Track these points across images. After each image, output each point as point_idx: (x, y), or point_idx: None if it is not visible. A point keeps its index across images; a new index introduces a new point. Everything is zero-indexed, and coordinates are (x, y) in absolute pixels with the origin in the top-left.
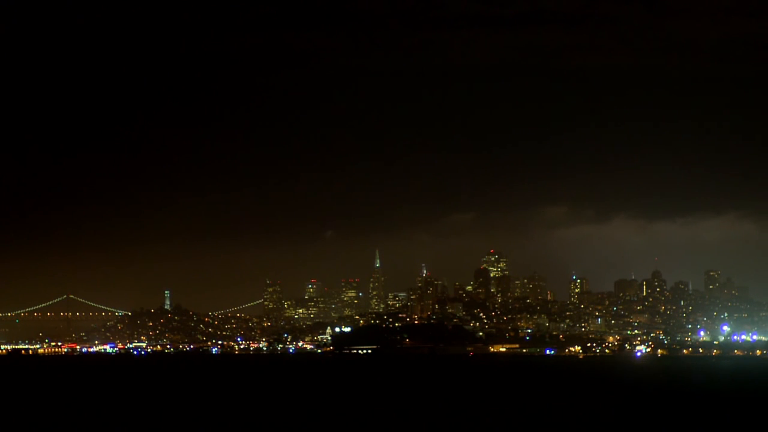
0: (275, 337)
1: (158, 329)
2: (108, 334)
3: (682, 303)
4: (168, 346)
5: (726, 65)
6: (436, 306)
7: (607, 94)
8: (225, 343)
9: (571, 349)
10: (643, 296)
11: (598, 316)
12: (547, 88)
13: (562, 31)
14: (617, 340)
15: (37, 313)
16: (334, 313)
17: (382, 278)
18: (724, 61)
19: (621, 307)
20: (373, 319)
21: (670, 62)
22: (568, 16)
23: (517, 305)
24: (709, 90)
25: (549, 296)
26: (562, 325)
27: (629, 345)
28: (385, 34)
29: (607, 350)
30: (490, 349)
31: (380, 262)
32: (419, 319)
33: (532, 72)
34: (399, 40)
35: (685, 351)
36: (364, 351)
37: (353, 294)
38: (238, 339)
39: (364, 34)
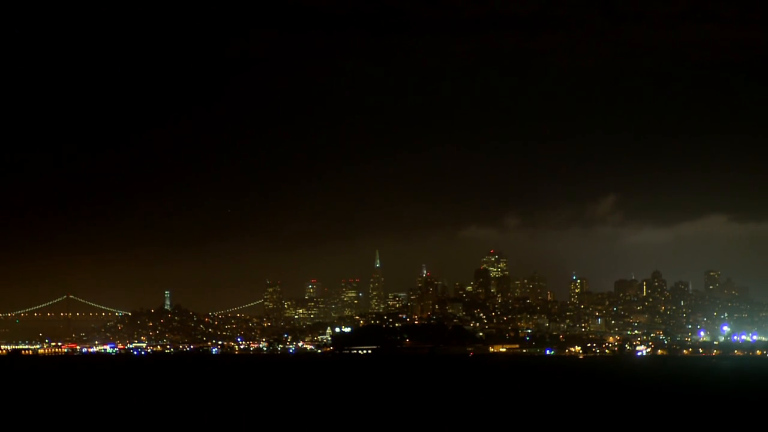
0: (275, 337)
1: (158, 329)
2: (108, 334)
3: (682, 303)
4: (168, 347)
5: (683, 68)
6: (436, 306)
7: (588, 98)
8: (225, 343)
9: (571, 349)
10: (643, 296)
11: (598, 317)
12: (533, 89)
13: (522, 36)
14: (617, 341)
15: (37, 314)
16: (334, 314)
17: (382, 278)
18: (681, 65)
19: (621, 307)
20: (373, 319)
21: (629, 66)
22: (527, 21)
23: (517, 305)
24: (680, 94)
25: (549, 296)
26: (562, 325)
27: (629, 345)
28: (348, 39)
29: (607, 350)
30: (490, 350)
31: (380, 262)
32: (419, 319)
33: (507, 73)
34: (363, 45)
35: (685, 351)
36: (364, 351)
37: (353, 294)
38: (238, 339)
39: (334, 39)
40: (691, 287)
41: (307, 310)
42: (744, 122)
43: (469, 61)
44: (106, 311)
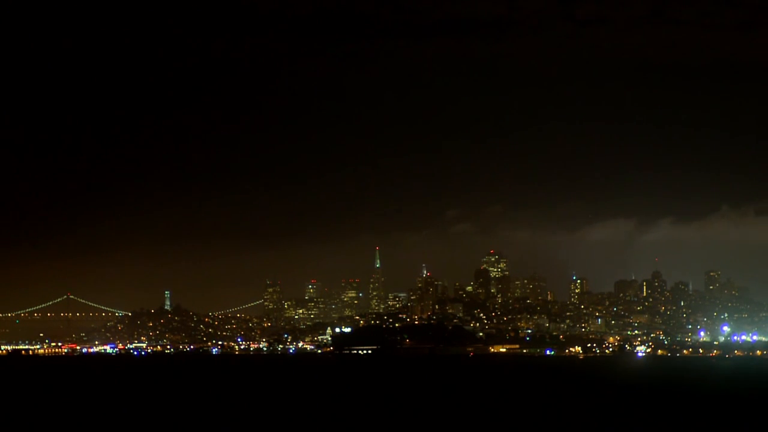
0: (275, 337)
1: (158, 329)
2: (108, 334)
3: (682, 303)
4: (168, 347)
5: (648, 71)
6: (436, 306)
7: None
8: (225, 343)
9: (572, 349)
10: (643, 296)
11: (598, 317)
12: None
13: (486, 40)
14: (617, 341)
15: (37, 314)
16: (334, 314)
17: (382, 278)
18: (646, 67)
19: (621, 307)
20: (373, 319)
21: (593, 69)
22: (490, 25)
23: (517, 305)
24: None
25: (549, 296)
26: (563, 325)
27: (629, 345)
28: (311, 43)
29: (607, 351)
30: (490, 350)
31: (380, 262)
32: (419, 319)
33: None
34: (328, 50)
35: (685, 351)
36: (364, 351)
37: (353, 294)
38: (238, 339)
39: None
40: (691, 287)
41: (307, 310)
42: (717, 121)
43: (443, 63)
44: (106, 311)
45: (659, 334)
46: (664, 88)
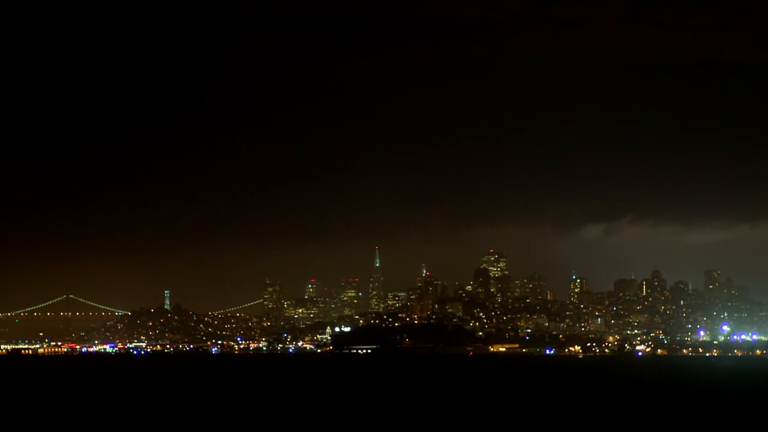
0: (275, 336)
1: (158, 329)
2: (108, 334)
3: (682, 303)
4: (168, 346)
5: (627, 72)
6: (436, 306)
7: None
8: (225, 343)
9: (571, 349)
10: (643, 296)
11: (598, 316)
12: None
13: (466, 42)
14: (617, 340)
15: (37, 313)
16: (334, 313)
17: (382, 278)
18: (626, 69)
19: (621, 307)
20: (373, 319)
21: (573, 71)
22: (470, 27)
23: (517, 305)
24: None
25: (549, 296)
26: (562, 325)
27: (629, 345)
28: (293, 45)
29: (607, 350)
30: (490, 349)
31: (380, 262)
32: (419, 319)
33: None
34: (310, 52)
35: (684, 351)
36: (364, 351)
37: (353, 294)
38: (238, 339)
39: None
40: (691, 287)
41: (307, 309)
42: (702, 122)
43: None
44: (106, 311)
45: (659, 333)
46: (647, 88)
